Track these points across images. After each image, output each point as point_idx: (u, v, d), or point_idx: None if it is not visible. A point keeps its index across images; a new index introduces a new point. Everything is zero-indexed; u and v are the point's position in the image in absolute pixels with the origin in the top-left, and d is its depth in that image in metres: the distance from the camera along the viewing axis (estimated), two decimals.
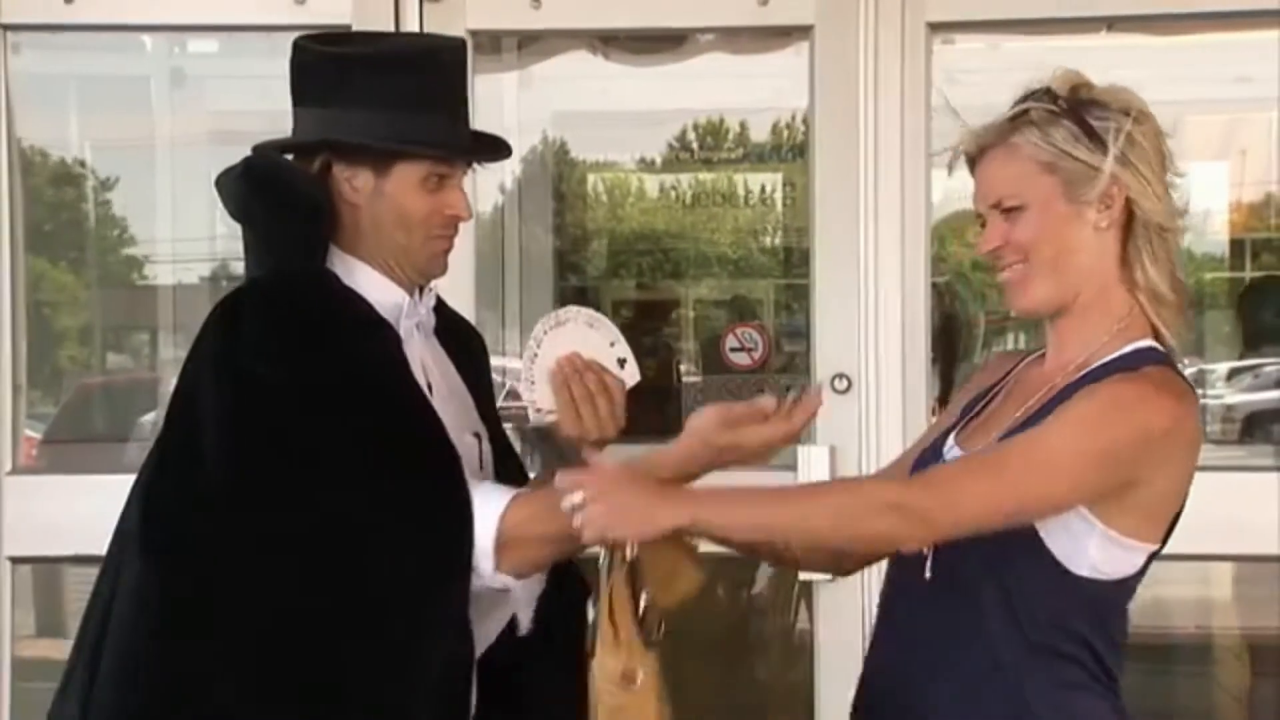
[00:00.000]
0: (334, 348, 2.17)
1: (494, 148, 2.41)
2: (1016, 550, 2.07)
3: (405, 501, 2.10)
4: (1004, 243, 2.14)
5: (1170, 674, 5.30)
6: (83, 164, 5.89)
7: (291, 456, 2.11)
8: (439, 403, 2.28)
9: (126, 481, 2.24)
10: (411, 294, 2.31)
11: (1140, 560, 2.12)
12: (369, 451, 2.12)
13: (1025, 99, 2.14)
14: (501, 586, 2.15)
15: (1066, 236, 2.11)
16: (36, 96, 4.58)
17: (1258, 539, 3.86)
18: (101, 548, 2.26)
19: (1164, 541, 2.14)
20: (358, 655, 2.08)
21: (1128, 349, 2.12)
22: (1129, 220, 2.11)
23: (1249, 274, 7.22)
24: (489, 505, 2.12)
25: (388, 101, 2.22)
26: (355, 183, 2.26)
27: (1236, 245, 7.25)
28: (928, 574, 2.15)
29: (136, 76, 5.55)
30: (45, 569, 5.00)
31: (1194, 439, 2.12)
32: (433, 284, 2.38)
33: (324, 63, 2.27)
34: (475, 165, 2.39)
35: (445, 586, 2.10)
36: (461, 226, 2.34)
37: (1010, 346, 6.63)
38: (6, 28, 4.06)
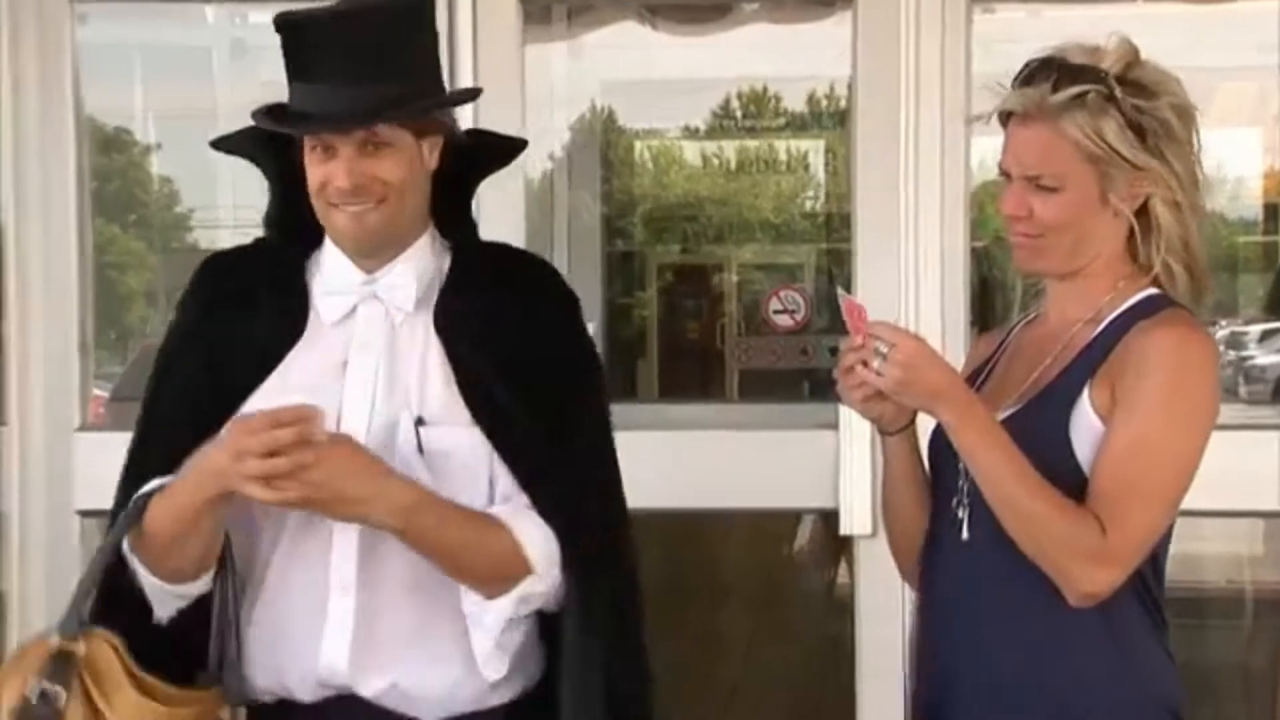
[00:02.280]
0: (189, 318, 2.32)
1: (361, 114, 2.14)
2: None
3: (130, 473, 2.28)
4: (1027, 214, 2.16)
5: (1202, 629, 5.36)
6: (147, 132, 5.98)
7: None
8: (353, 379, 2.20)
9: None
10: (370, 270, 2.23)
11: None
12: (140, 425, 2.30)
13: (1080, 75, 2.10)
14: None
15: (1090, 222, 2.15)
16: (103, 66, 4.65)
17: None
18: None
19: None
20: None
21: (1137, 298, 2.16)
22: (1146, 204, 2.14)
23: None
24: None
25: (288, 72, 2.21)
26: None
27: (1270, 210, 7.25)
28: (964, 535, 2.17)
29: (198, 47, 5.62)
30: None
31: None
32: (396, 259, 2.25)
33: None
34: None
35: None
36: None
37: None
38: None
